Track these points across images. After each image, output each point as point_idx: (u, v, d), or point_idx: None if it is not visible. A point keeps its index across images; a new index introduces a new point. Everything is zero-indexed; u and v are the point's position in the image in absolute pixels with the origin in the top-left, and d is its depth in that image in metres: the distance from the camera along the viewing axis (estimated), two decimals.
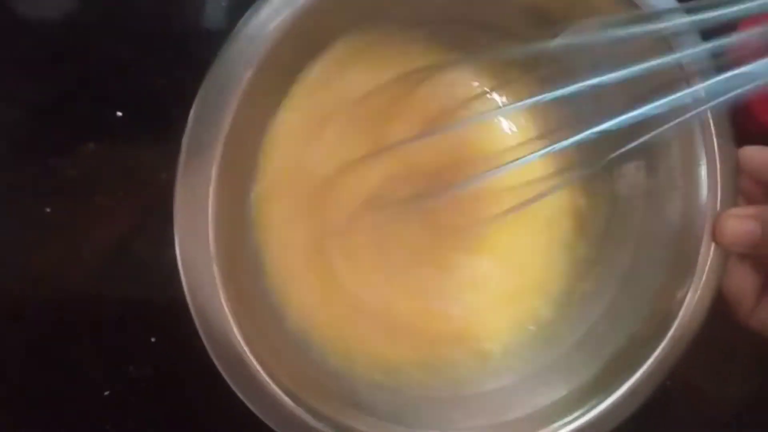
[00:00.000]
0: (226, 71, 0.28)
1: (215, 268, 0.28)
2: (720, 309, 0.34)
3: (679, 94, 0.28)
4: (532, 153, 0.30)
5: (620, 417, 0.31)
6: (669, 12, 0.29)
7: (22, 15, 0.34)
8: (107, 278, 0.35)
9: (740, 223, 0.29)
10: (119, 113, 0.34)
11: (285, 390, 0.29)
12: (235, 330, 0.28)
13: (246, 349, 0.29)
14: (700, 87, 0.29)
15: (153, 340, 0.36)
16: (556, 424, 0.31)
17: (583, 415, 0.31)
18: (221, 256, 0.28)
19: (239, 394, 0.28)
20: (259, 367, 0.29)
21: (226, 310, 0.28)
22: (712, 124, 0.31)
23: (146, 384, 0.37)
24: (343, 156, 0.34)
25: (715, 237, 0.30)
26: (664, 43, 0.30)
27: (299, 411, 0.29)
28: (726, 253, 0.30)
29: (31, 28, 0.34)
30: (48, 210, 0.35)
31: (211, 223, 0.28)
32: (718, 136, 0.31)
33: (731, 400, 0.44)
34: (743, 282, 0.31)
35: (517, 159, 0.30)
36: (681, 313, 0.31)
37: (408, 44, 0.34)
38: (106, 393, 0.37)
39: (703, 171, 0.31)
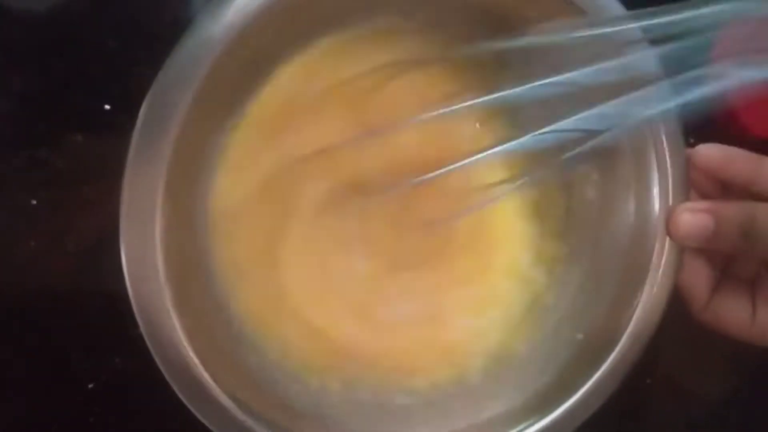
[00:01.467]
0: (183, 64, 0.28)
1: (162, 279, 0.28)
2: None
3: (628, 98, 0.29)
4: (487, 150, 0.31)
5: (586, 413, 0.31)
6: (619, 19, 0.30)
7: (9, 6, 0.34)
8: (92, 270, 0.35)
9: (694, 218, 0.29)
10: (107, 106, 0.34)
11: (234, 398, 0.29)
12: (181, 333, 0.28)
13: (192, 354, 0.28)
14: (650, 91, 0.29)
15: (138, 332, 0.36)
16: (522, 425, 0.31)
17: (549, 413, 0.31)
18: (170, 262, 0.28)
19: (188, 405, 0.28)
20: (206, 374, 0.28)
21: (172, 314, 0.28)
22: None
23: (131, 377, 0.37)
24: (307, 149, 0.33)
25: (669, 231, 0.30)
26: (617, 48, 0.30)
27: (252, 423, 0.29)
28: (680, 249, 0.31)
29: (19, 18, 0.34)
30: (34, 202, 0.35)
31: (158, 227, 0.28)
32: (666, 133, 0.31)
33: (710, 397, 0.45)
34: (697, 277, 0.32)
35: (473, 156, 0.31)
36: (638, 311, 0.31)
37: (375, 43, 0.34)
38: (90, 386, 0.36)
39: (654, 168, 0.31)
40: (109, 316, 0.36)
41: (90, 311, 0.36)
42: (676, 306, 0.38)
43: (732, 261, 0.33)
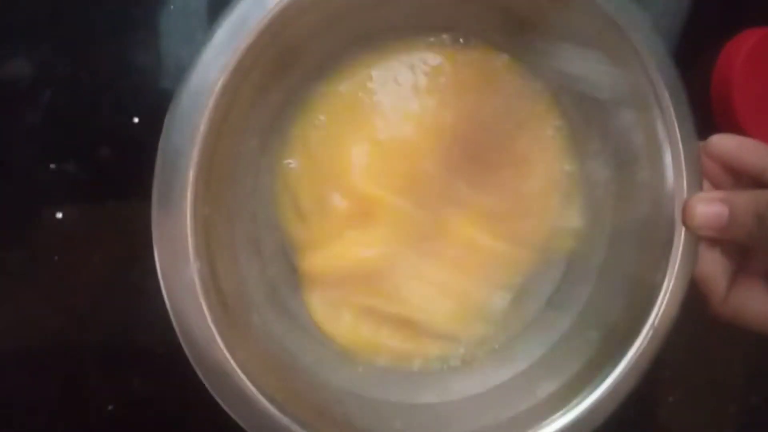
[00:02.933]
0: (202, 77, 0.29)
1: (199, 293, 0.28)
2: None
3: None
4: None
5: (609, 409, 0.31)
6: None
7: (43, 23, 0.35)
8: (118, 285, 0.35)
9: (708, 206, 0.30)
10: (135, 119, 0.35)
11: (276, 404, 0.29)
12: (221, 344, 0.29)
13: (233, 363, 0.29)
14: None
15: (160, 352, 0.35)
16: (543, 423, 0.31)
17: (569, 411, 0.31)
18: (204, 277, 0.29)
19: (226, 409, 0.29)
20: (247, 382, 0.29)
21: (211, 325, 0.29)
22: (673, 113, 0.32)
23: (150, 400, 0.36)
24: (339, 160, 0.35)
25: (684, 221, 0.31)
26: None
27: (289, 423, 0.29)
28: (696, 239, 0.31)
29: (53, 36, 0.35)
30: (59, 215, 0.35)
31: (190, 228, 0.28)
32: (680, 124, 0.32)
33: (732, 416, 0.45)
34: (713, 269, 0.32)
35: None
36: (658, 301, 0.32)
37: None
38: (110, 407, 0.36)
39: (668, 159, 0.32)
40: (132, 337, 0.35)
41: (112, 330, 0.36)
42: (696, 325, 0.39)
43: (748, 254, 0.33)
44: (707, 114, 0.41)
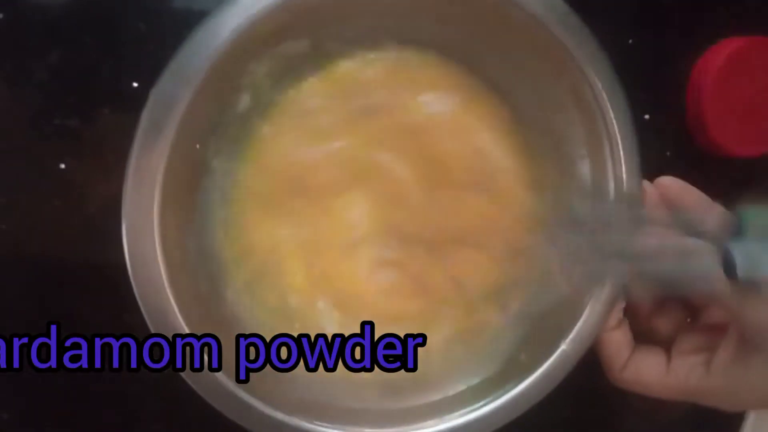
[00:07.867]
0: (191, 54, 0.32)
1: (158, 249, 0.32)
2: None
3: None
4: None
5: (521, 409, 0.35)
6: None
7: None
8: (108, 231, 0.38)
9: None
10: (135, 84, 0.37)
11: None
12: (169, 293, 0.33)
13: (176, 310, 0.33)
14: None
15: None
16: (463, 410, 0.35)
17: (485, 405, 0.35)
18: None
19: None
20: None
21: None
22: (623, 164, 0.35)
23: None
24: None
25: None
26: None
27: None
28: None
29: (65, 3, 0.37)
30: (62, 166, 0.38)
31: (157, 201, 0.32)
32: (626, 170, 0.35)
33: None
34: (618, 338, 0.35)
35: None
36: (570, 337, 0.35)
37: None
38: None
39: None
40: (119, 277, 0.39)
41: (102, 271, 0.38)
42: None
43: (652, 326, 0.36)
44: (682, 124, 0.43)
